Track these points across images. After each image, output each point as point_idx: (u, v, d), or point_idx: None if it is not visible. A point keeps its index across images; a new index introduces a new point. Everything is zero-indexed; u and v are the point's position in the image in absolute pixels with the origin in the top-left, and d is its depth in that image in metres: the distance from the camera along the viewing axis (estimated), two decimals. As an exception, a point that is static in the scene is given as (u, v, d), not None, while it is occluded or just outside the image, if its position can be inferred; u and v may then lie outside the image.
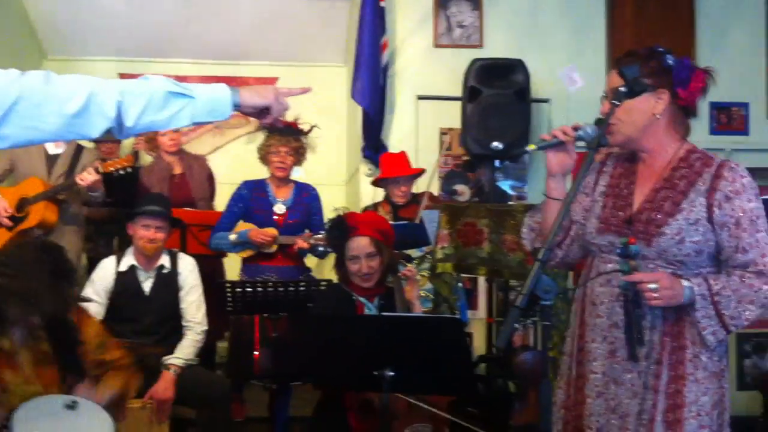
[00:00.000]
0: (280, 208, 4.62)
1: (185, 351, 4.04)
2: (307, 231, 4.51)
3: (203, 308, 4.19)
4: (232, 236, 4.51)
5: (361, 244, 3.58)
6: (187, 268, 4.21)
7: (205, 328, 4.17)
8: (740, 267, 2.25)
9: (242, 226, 4.57)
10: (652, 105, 2.32)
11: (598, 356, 2.39)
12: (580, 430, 2.42)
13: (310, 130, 4.72)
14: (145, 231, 4.09)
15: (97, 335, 3.37)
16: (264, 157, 4.67)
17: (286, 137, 4.60)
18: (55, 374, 3.15)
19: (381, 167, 5.03)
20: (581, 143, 2.33)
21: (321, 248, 4.38)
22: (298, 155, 4.67)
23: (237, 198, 4.66)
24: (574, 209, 2.49)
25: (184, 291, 4.16)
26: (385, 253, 3.63)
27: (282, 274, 4.46)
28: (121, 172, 4.78)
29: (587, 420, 2.39)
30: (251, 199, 4.63)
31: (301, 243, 4.43)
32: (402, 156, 5.03)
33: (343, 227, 3.65)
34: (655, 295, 2.19)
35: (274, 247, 4.50)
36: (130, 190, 5.27)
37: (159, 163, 5.32)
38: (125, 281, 4.11)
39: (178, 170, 5.28)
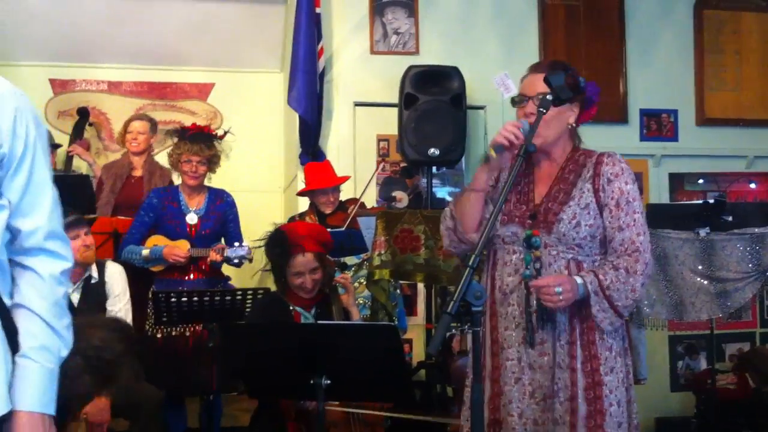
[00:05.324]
0: (192, 218, 4.44)
1: None
2: (222, 242, 4.39)
3: (129, 316, 4.11)
4: (145, 252, 4.34)
5: (307, 260, 3.55)
6: (114, 276, 4.12)
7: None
8: (618, 244, 2.47)
9: (153, 239, 4.42)
10: (568, 115, 2.57)
11: (512, 343, 2.51)
12: (498, 421, 2.50)
13: (223, 136, 4.56)
14: (76, 241, 3.99)
15: None
16: (174, 164, 4.49)
17: (198, 144, 4.40)
18: None
19: (306, 178, 4.91)
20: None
21: (237, 260, 4.30)
22: (212, 163, 4.49)
23: (147, 207, 4.47)
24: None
25: (110, 300, 4.08)
26: (326, 264, 3.62)
27: (195, 288, 4.29)
28: None
29: (508, 407, 2.49)
30: (162, 209, 4.45)
31: (213, 256, 4.29)
32: (327, 165, 4.97)
33: (286, 244, 3.59)
34: (560, 297, 2.36)
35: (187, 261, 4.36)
36: (83, 193, 5.10)
37: (122, 160, 5.26)
38: None
39: (138, 173, 5.20)
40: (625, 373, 2.51)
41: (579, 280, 2.43)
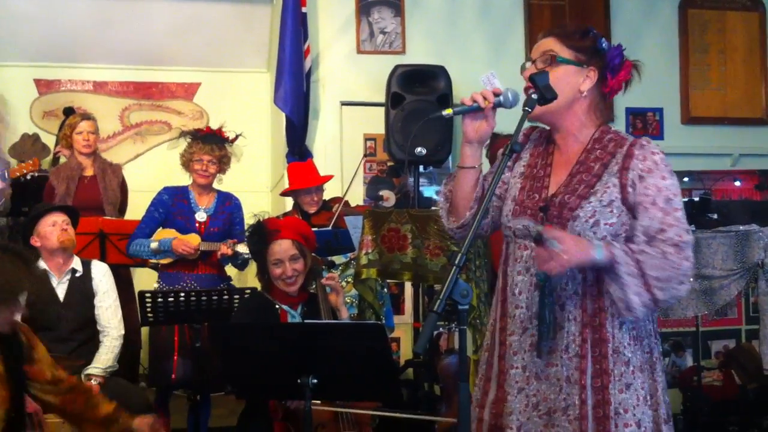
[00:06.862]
0: (201, 216, 4.53)
1: (104, 359, 4.00)
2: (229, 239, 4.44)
3: (119, 313, 4.16)
4: (154, 244, 4.39)
5: (283, 247, 3.56)
6: (100, 273, 4.17)
7: (122, 332, 4.13)
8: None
9: (162, 232, 4.47)
10: (579, 81, 2.25)
11: (518, 350, 2.26)
12: (500, 427, 2.27)
13: (235, 139, 4.65)
14: (54, 227, 4.04)
15: (46, 352, 3.21)
16: (186, 164, 4.57)
17: (209, 145, 4.51)
18: (6, 394, 2.98)
19: (289, 178, 4.96)
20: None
21: (246, 256, 4.32)
22: (222, 164, 4.58)
23: (157, 203, 4.53)
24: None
25: (99, 296, 4.12)
26: (307, 256, 3.62)
27: (202, 283, 4.39)
28: (28, 176, 4.64)
29: (506, 419, 2.25)
30: (172, 205, 4.52)
31: (224, 249, 4.35)
32: (309, 164, 5.01)
33: (264, 232, 3.62)
34: (565, 256, 2.02)
35: (196, 254, 4.41)
36: (38, 194, 5.13)
37: (70, 162, 5.21)
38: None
39: (89, 172, 5.19)
40: (648, 390, 2.19)
41: (596, 241, 2.09)
